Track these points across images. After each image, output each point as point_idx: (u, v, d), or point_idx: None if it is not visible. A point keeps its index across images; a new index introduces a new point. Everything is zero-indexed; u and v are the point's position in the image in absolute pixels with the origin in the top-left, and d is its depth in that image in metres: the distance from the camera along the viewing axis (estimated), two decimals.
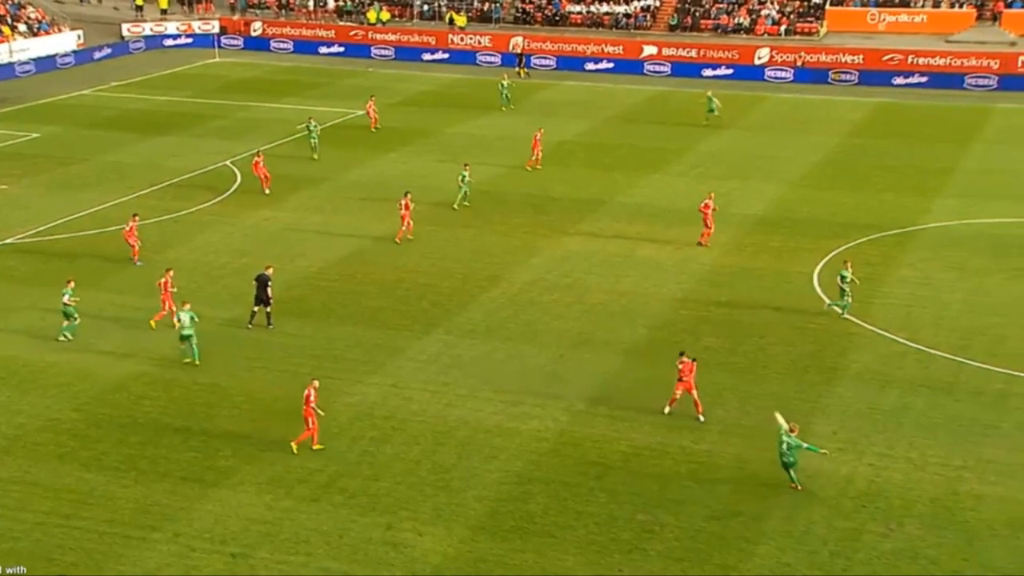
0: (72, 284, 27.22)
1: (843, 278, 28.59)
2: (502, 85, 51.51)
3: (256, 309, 27.75)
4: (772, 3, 64.87)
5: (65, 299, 26.86)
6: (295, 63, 63.95)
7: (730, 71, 59.71)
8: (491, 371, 25.72)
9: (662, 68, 60.54)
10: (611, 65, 61.59)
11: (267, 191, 38.34)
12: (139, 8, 70.60)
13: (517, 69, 60.00)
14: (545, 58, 62.90)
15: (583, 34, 65.56)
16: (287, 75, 60.90)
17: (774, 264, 32.29)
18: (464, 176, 37.04)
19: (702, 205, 33.89)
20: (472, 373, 25.59)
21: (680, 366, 23.50)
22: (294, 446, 22.41)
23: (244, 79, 59.79)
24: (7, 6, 64.28)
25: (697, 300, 29.72)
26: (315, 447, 22.44)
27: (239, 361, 26.13)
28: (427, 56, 64.57)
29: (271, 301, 27.66)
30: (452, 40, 65.71)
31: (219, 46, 66.89)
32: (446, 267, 31.95)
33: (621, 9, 67.14)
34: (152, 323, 27.75)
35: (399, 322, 28.29)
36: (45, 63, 61.22)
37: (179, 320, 26.17)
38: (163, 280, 27.81)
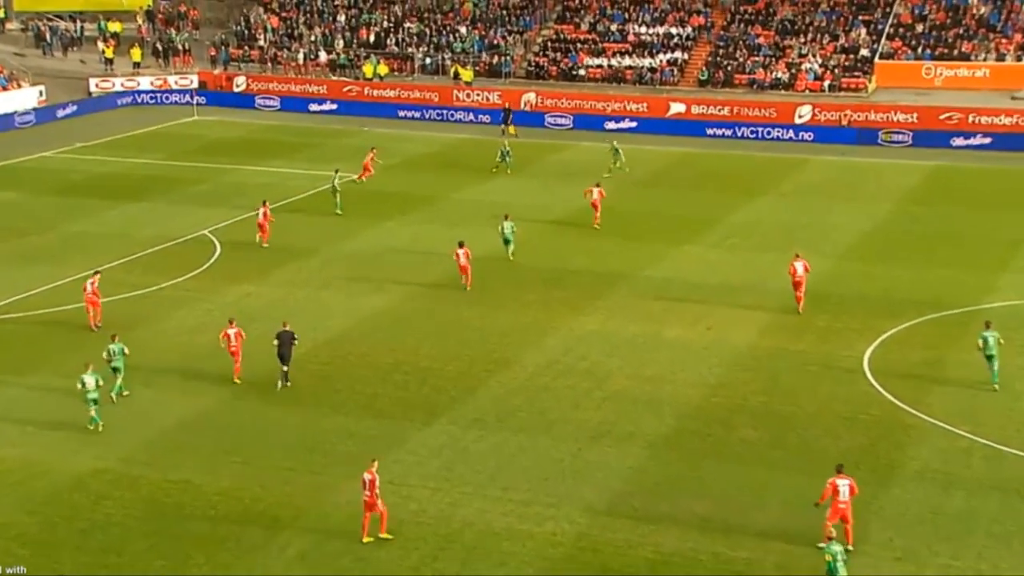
0: (118, 338, 29.15)
1: (986, 342, 28.49)
2: (503, 150, 52.26)
3: (286, 369, 29.52)
4: (814, 56, 66.12)
5: (113, 353, 28.71)
6: (282, 122, 65.21)
7: (768, 131, 60.70)
8: (500, 466, 25.83)
9: (691, 127, 61.54)
10: (634, 124, 62.62)
11: (265, 244, 40.94)
12: (108, 61, 72.16)
13: (503, 127, 60.98)
14: (561, 116, 64.02)
15: (602, 90, 66.79)
16: (273, 135, 62.04)
17: (819, 346, 32.48)
18: (505, 227, 39.63)
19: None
20: (479, 468, 25.71)
21: (838, 484, 21.98)
22: (365, 538, 22.55)
23: (225, 139, 60.94)
24: None
25: (731, 386, 29.86)
26: (383, 535, 22.63)
27: (215, 455, 26.30)
28: (430, 114, 65.79)
29: (290, 360, 29.42)
30: (457, 96, 67.00)
31: (198, 103, 68.24)
32: (450, 348, 32.24)
33: (645, 63, 68.49)
34: (94, 327, 31.90)
35: (397, 410, 28.49)
36: (2, 122, 62.41)
37: (83, 383, 27.18)
38: (89, 287, 32.07)
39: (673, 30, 69.92)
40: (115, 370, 29.12)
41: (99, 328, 33.11)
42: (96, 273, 34.42)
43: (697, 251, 41.27)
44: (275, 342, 29.62)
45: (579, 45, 70.40)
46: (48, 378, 29.94)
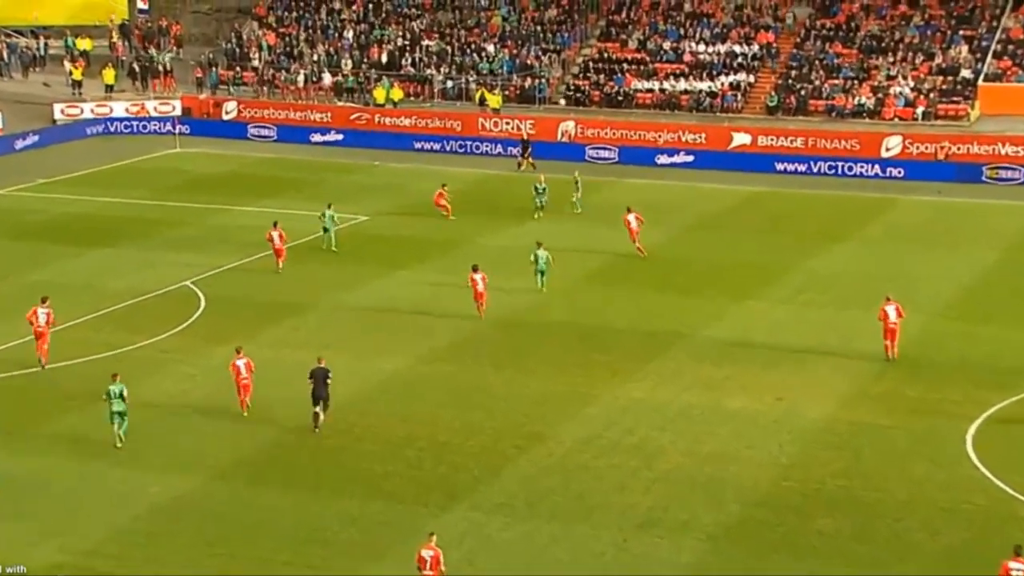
0: (119, 378, 30.72)
1: None
2: (537, 187, 52.62)
3: (317, 410, 31.15)
4: (904, 78, 66.39)
5: (113, 395, 30.31)
6: (279, 154, 65.96)
7: (849, 166, 60.87)
8: (531, 559, 25.82)
9: (758, 162, 61.84)
10: (690, 158, 62.97)
11: (280, 267, 44.20)
12: (77, 84, 73.15)
13: (520, 159, 61.59)
14: (604, 149, 64.54)
15: (654, 118, 67.27)
16: (268, 170, 62.76)
17: (911, 421, 32.37)
18: (539, 256, 41.63)
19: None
20: (506, 562, 25.71)
21: None
22: None
23: (213, 175, 61.69)
24: None
25: (806, 467, 29.77)
26: None
27: (195, 546, 26.43)
28: (451, 146, 66.45)
29: (329, 401, 31.34)
30: (483, 125, 67.66)
31: (181, 132, 69.09)
32: (472, 420, 32.39)
33: (704, 86, 69.03)
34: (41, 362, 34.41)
35: (410, 492, 28.60)
36: None
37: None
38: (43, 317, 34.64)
39: (737, 48, 70.56)
40: (117, 415, 30.49)
41: (46, 368, 35.06)
42: (44, 301, 36.10)
43: (764, 307, 41.30)
44: (309, 381, 31.48)
45: (626, 66, 71.07)
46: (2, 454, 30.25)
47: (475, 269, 40.00)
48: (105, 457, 30.11)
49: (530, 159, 61.28)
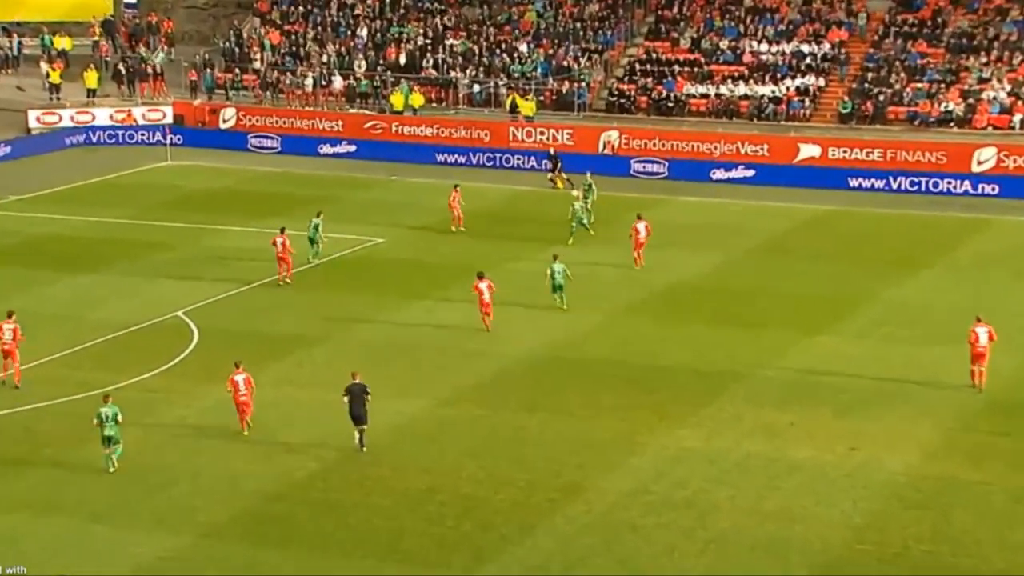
0: (111, 400, 32.39)
1: None
2: (574, 207, 52.32)
3: (360, 432, 33.03)
4: (1000, 81, 66.17)
5: (106, 418, 31.74)
6: (283, 168, 66.32)
7: (934, 182, 60.64)
8: None
9: (828, 177, 61.72)
10: (751, 172, 63.00)
11: (288, 280, 46.27)
12: (54, 88, 73.92)
13: (551, 176, 61.82)
14: (651, 162, 64.57)
15: (709, 127, 67.31)
16: (271, 185, 63.12)
17: (1008, 477, 32.09)
18: (555, 270, 43.44)
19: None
20: None
21: None
22: None
23: (207, 191, 62.07)
24: None
25: (885, 528, 29.57)
26: None
27: None
28: (478, 158, 66.62)
29: (367, 419, 32.98)
30: (515, 135, 67.86)
31: (172, 143, 69.46)
32: (501, 470, 32.37)
33: (766, 90, 69.05)
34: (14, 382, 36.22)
35: (430, 553, 28.58)
36: None
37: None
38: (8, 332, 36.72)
39: (805, 48, 70.59)
40: (108, 440, 31.78)
41: (16, 387, 36.91)
42: (11, 316, 37.81)
43: (836, 343, 41.17)
44: (344, 398, 33.22)
45: (677, 68, 71.26)
46: None
47: (480, 276, 41.76)
48: (82, 511, 30.22)
49: (562, 174, 61.42)
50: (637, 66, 72.18)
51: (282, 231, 47.03)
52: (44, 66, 75.03)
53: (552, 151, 63.50)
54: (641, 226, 48.57)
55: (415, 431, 34.85)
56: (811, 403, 36.38)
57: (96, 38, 78.84)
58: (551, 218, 54.99)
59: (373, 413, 34.44)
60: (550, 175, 62.07)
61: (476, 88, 72.62)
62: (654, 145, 65.37)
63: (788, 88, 68.76)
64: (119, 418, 32.03)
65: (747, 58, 70.71)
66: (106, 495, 30.92)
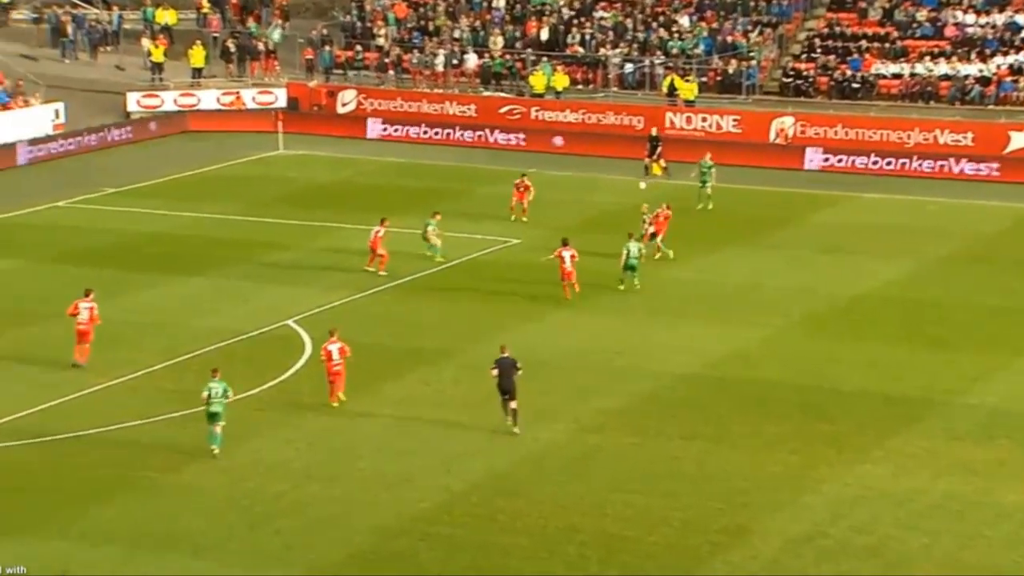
0: (219, 374, 34.76)
1: None
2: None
3: (513, 407, 35.48)
4: None
5: (214, 394, 34.23)
6: (409, 158, 66.95)
7: None
8: None
9: None
10: (951, 166, 62.46)
11: (382, 272, 48.14)
12: (157, 67, 75.14)
13: (649, 161, 61.90)
14: (833, 153, 63.98)
15: (902, 112, 66.58)
16: (394, 177, 63.79)
17: None
18: (630, 249, 46.08)
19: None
20: None
21: None
22: None
23: (323, 184, 62.91)
24: None
25: None
26: None
27: None
28: (629, 148, 66.51)
29: (515, 393, 35.37)
30: (672, 122, 67.73)
31: (285, 130, 70.16)
32: (653, 507, 32.31)
33: (972, 70, 68.01)
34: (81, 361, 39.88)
35: None
36: (3, 155, 65.37)
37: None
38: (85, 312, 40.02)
39: (1020, 19, 69.33)
40: (213, 416, 34.20)
41: (79, 366, 39.86)
42: (88, 294, 40.48)
43: None
44: (493, 372, 35.81)
45: (865, 44, 70.64)
46: (50, 542, 31.17)
47: (565, 243, 45.57)
48: (183, 546, 30.62)
49: (660, 160, 61.31)
50: (817, 42, 71.66)
51: (382, 222, 48.85)
52: (146, 43, 76.26)
53: (654, 131, 63.36)
54: (662, 213, 50.01)
55: (554, 461, 34.91)
56: (1021, 436, 35.83)
57: (203, 11, 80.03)
58: (709, 216, 54.82)
59: (505, 439, 34.73)
60: (647, 160, 61.96)
61: (628, 68, 72.57)
62: (835, 133, 64.99)
63: (998, 66, 67.71)
64: (228, 394, 34.49)
65: (949, 31, 69.83)
66: (208, 526, 31.38)
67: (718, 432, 36.39)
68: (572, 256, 45.41)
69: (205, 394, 34.48)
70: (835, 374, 40.21)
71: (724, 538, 30.92)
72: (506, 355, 35.98)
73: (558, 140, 67.64)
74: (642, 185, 56.06)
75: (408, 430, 36.60)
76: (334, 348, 37.03)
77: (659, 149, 62.31)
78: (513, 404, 35.75)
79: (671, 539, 30.94)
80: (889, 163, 62.89)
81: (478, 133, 69.40)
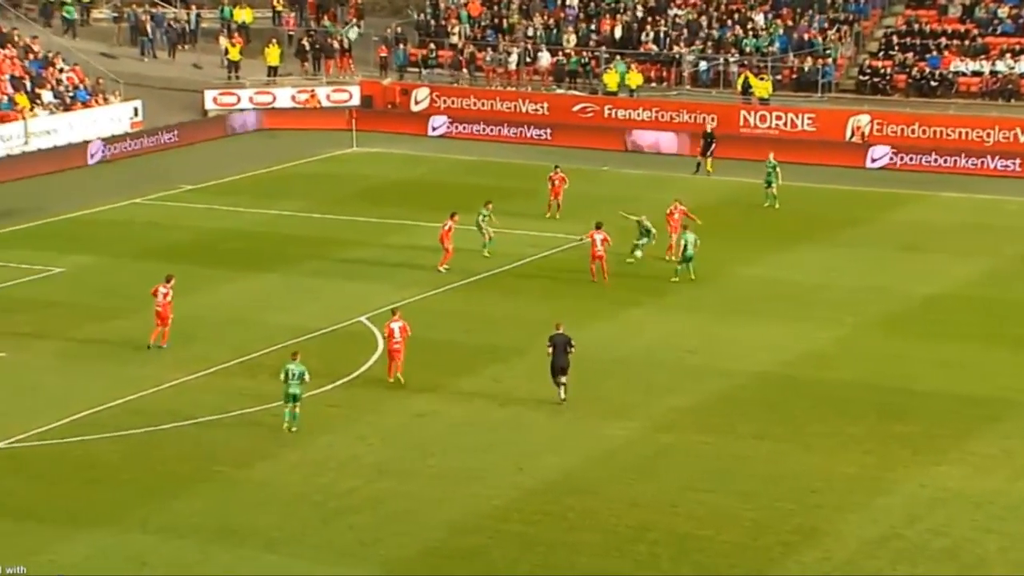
0: (299, 357, 36.18)
1: None
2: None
3: (563, 381, 36.81)
4: None
5: (292, 376, 35.76)
6: (482, 156, 67.20)
7: None
8: None
9: None
10: None
11: (443, 268, 48.80)
12: (233, 66, 75.93)
13: (702, 158, 62.12)
14: (911, 152, 63.61)
15: (982, 111, 66.10)
16: (468, 175, 64.00)
17: None
18: (687, 240, 46.51)
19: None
20: None
21: None
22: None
23: (398, 182, 63.25)
24: (26, 63, 69.73)
25: None
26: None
27: None
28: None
29: (568, 370, 36.72)
30: (747, 120, 67.57)
31: (360, 127, 70.51)
32: (725, 506, 32.29)
33: None
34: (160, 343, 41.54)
35: None
36: (78, 153, 66.35)
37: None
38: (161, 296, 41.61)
39: None
40: (291, 398, 35.61)
41: (160, 347, 41.58)
42: (169, 280, 42.07)
43: None
44: (548, 349, 37.25)
45: (944, 41, 70.12)
46: (131, 535, 31.61)
47: (598, 227, 47.08)
48: (256, 539, 30.89)
49: (710, 159, 61.24)
50: (895, 39, 71.25)
51: (452, 216, 49.40)
52: (223, 41, 76.97)
53: (709, 128, 63.19)
54: (676, 209, 49.95)
55: (625, 459, 34.95)
56: None
57: (279, 9, 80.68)
58: (783, 215, 54.67)
59: (577, 436, 34.82)
60: (699, 158, 61.94)
61: (703, 66, 72.43)
62: (913, 132, 64.62)
63: None
64: (306, 377, 35.79)
65: None
66: (281, 520, 31.63)
67: (791, 432, 36.32)
68: (604, 239, 46.94)
69: (283, 375, 35.85)
70: (911, 374, 40.04)
71: (797, 538, 30.84)
72: (560, 332, 37.18)
73: (638, 138, 67.80)
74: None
75: (480, 427, 36.78)
76: (396, 326, 38.86)
77: (713, 146, 62.22)
78: (563, 379, 37.15)
79: (743, 539, 30.87)
80: (967, 161, 62.38)
81: (550, 131, 69.43)
